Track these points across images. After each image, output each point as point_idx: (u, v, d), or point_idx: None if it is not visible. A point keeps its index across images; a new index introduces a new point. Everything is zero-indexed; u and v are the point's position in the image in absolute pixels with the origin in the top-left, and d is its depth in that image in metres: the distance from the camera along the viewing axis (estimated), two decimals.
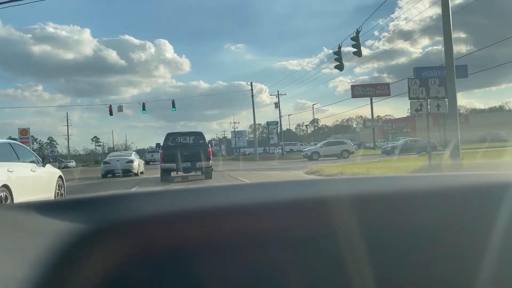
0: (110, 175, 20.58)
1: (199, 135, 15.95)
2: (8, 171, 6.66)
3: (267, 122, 78.31)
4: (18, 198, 6.62)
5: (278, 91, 45.82)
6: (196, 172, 14.93)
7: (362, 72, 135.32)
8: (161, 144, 15.91)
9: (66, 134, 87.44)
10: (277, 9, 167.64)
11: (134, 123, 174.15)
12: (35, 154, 8.65)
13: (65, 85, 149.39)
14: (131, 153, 23.77)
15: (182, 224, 0.55)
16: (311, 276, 0.56)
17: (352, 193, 0.70)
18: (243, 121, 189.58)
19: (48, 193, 8.09)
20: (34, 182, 7.56)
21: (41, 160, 8.36)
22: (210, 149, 15.09)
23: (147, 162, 29.95)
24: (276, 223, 0.58)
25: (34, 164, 7.87)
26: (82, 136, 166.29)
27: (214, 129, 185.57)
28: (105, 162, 21.64)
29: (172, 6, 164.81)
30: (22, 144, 8.47)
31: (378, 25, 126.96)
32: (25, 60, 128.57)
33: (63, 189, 9.09)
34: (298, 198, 0.68)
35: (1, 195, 6.28)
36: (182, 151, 14.33)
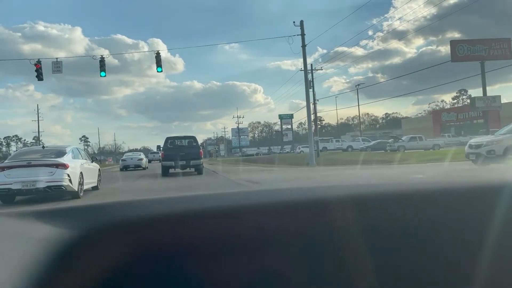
0: (126, 169, 28.96)
1: (192, 139, 20.24)
2: (81, 165, 11.38)
3: (279, 115, 69.23)
4: (85, 180, 11.32)
5: (312, 65, 36.82)
6: (190, 169, 19.03)
7: (357, 72, 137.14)
8: (161, 146, 20.31)
9: (62, 134, 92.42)
10: (272, 8, 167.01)
11: (127, 124, 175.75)
12: (87, 154, 13.46)
13: (57, 84, 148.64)
14: (140, 153, 34.42)
15: (174, 227, 0.57)
16: (310, 278, 0.57)
17: (350, 195, 0.70)
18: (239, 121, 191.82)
19: (95, 178, 12.79)
20: (90, 171, 12.23)
21: (90, 158, 13.20)
22: (201, 150, 19.80)
23: (149, 161, 38.34)
24: (272, 225, 0.60)
25: (87, 161, 12.53)
26: (75, 136, 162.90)
27: (208, 129, 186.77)
28: (123, 160, 31.68)
29: (164, 4, 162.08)
30: (81, 149, 13.33)
31: (373, 25, 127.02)
32: (15, 59, 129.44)
33: (100, 177, 13.74)
34: (294, 200, 0.68)
35: (80, 178, 10.88)
36: (179, 152, 18.46)
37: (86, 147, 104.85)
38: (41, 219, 0.66)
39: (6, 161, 11.02)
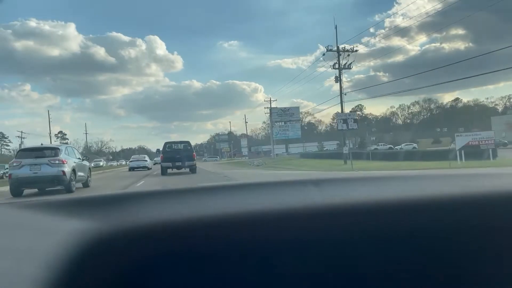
0: (133, 169, 34.48)
1: (187, 143, 24.32)
2: (73, 162, 14.04)
3: (337, 113, 50.13)
4: (78, 173, 14.02)
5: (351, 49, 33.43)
6: (185, 169, 22.73)
7: (358, 70, 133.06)
8: (161, 150, 24.40)
9: (57, 133, 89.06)
10: (272, 5, 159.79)
11: (127, 124, 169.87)
12: (79, 153, 16.23)
13: (52, 84, 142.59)
14: (145, 156, 40.06)
15: (199, 229, 0.55)
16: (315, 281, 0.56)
17: (357, 199, 0.69)
18: (237, 121, 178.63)
19: (86, 174, 15.39)
20: (81, 167, 14.92)
21: (81, 157, 15.84)
22: (194, 153, 23.67)
23: (154, 163, 44.17)
24: (283, 229, 0.58)
25: (79, 159, 15.18)
26: (74, 137, 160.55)
27: (209, 129, 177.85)
28: (131, 161, 37.91)
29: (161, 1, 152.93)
30: (74, 147, 16.20)
31: (374, 21, 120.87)
32: (8, 57, 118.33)
33: (90, 173, 16.30)
34: (300, 206, 0.65)
35: (73, 174, 13.54)
36: (175, 155, 22.43)
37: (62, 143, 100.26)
38: (53, 210, 0.66)
39: (14, 159, 13.78)
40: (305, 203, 0.67)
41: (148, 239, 0.53)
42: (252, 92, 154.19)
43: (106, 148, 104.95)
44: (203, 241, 0.54)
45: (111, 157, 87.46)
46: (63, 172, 12.95)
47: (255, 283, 0.55)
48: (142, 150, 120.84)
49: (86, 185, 15.40)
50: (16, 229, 0.64)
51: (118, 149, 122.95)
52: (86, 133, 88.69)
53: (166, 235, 0.54)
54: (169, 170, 22.53)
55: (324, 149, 75.72)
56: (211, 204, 0.69)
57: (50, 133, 67.14)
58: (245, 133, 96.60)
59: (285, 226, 0.58)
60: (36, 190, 13.79)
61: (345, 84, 44.09)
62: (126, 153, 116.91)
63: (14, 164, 13.22)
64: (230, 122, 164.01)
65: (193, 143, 25.73)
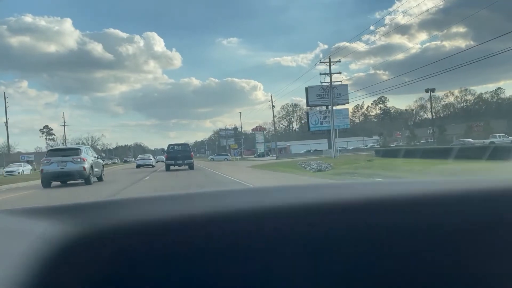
0: (140, 167, 40.94)
1: (186, 145, 31.24)
2: (91, 160, 17.51)
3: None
4: (94, 169, 17.44)
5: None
6: (184, 166, 28.50)
7: (358, 68, 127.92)
8: (165, 150, 31.36)
9: (42, 128, 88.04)
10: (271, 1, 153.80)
11: (125, 121, 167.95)
12: (95, 152, 19.81)
13: (50, 81, 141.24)
14: (149, 155, 48.44)
15: (178, 229, 0.56)
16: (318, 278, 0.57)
17: (360, 197, 0.69)
18: (236, 119, 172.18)
19: (100, 170, 18.81)
20: (97, 164, 18.40)
21: (96, 155, 19.35)
22: (192, 153, 29.80)
23: (157, 161, 52.32)
24: (283, 227, 0.59)
25: (95, 157, 18.61)
26: (73, 135, 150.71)
27: (208, 128, 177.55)
28: (138, 160, 45.26)
29: None
30: (91, 148, 19.78)
31: (374, 19, 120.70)
32: (4, 53, 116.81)
33: (103, 169, 19.70)
34: (301, 203, 0.66)
35: (91, 169, 16.98)
36: (177, 154, 28.84)
37: (48, 140, 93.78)
38: (41, 215, 0.67)
39: (45, 157, 17.27)
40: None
41: (124, 240, 0.54)
42: (252, 90, 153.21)
43: (97, 144, 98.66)
44: (187, 240, 0.55)
45: (104, 155, 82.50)
46: (84, 168, 16.33)
47: (246, 280, 0.56)
48: (138, 148, 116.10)
49: (100, 179, 18.72)
50: None
51: (114, 145, 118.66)
52: (64, 125, 79.80)
53: (140, 234, 0.55)
54: (172, 167, 28.72)
55: (369, 145, 62.79)
56: (199, 205, 0.69)
57: (6, 121, 58.55)
58: (259, 126, 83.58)
59: (285, 224, 0.60)
60: (59, 183, 17.22)
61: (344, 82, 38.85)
62: (120, 151, 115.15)
63: (45, 161, 16.65)
64: (240, 112, 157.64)
65: (192, 141, 31.50)
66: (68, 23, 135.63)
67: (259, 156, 70.02)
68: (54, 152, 17.77)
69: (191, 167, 28.62)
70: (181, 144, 31.33)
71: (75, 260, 0.51)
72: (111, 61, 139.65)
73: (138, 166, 41.56)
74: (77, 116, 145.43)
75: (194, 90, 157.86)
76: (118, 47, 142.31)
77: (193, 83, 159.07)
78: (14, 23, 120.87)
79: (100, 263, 0.52)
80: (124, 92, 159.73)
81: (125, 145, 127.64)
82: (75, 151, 17.11)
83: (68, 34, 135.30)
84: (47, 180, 16.57)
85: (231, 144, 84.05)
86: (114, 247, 0.54)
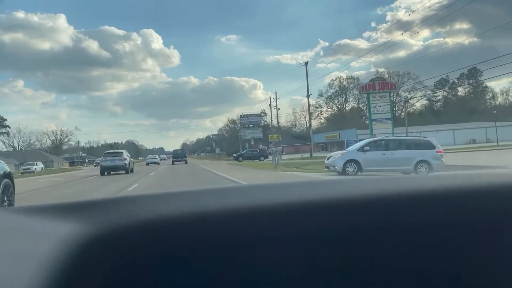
0: (148, 164, 54.66)
1: (183, 150, 61.23)
2: (128, 159, 30.22)
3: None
4: (130, 165, 30.14)
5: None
6: (181, 162, 48.91)
7: (359, 66, 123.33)
8: (164, 149, 52.65)
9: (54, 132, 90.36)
10: None
11: (124, 121, 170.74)
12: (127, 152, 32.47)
13: (45, 79, 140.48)
14: (156, 155, 64.88)
15: (190, 226, 0.56)
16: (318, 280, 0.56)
17: (361, 194, 0.70)
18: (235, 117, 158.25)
19: (132, 165, 31.36)
20: (131, 161, 31.10)
21: (130, 155, 32.10)
22: (186, 154, 50.91)
23: (161, 159, 66.51)
24: (278, 226, 0.58)
25: (129, 156, 31.21)
26: (34, 127, 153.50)
27: (207, 127, 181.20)
28: (148, 158, 60.31)
29: None
30: (125, 151, 32.39)
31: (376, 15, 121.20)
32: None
33: (133, 164, 32.14)
34: (307, 200, 0.66)
35: (129, 164, 29.54)
36: (178, 155, 54.59)
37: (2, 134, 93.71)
38: (47, 215, 0.67)
39: (103, 157, 29.86)
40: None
41: (142, 238, 0.53)
42: (251, 88, 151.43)
43: (69, 140, 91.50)
44: (199, 238, 0.54)
45: (84, 154, 76.75)
46: (125, 163, 28.46)
47: (250, 280, 0.54)
48: (131, 146, 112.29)
49: (131, 171, 30.44)
50: (10, 233, 0.66)
51: (101, 142, 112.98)
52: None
53: (161, 233, 0.54)
54: (175, 162, 49.23)
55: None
56: (207, 202, 0.69)
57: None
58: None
59: (289, 222, 0.59)
60: (110, 173, 29.07)
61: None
62: (107, 149, 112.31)
63: (102, 159, 29.16)
64: (273, 93, 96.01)
65: (194, 139, 49.42)
66: (62, 19, 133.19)
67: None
68: (107, 153, 30.39)
69: (186, 162, 50.93)
70: (180, 150, 57.21)
71: (92, 260, 0.50)
72: (108, 59, 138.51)
73: (148, 164, 54.24)
74: (76, 116, 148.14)
75: (193, 88, 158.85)
76: (115, 44, 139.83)
77: (191, 81, 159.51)
78: (6, 20, 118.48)
79: (117, 263, 0.51)
80: (122, 91, 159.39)
81: (115, 142, 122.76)
82: (119, 153, 29.63)
83: (62, 31, 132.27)
84: (103, 171, 28.76)
85: (270, 135, 52.34)
86: (127, 246, 0.53)
